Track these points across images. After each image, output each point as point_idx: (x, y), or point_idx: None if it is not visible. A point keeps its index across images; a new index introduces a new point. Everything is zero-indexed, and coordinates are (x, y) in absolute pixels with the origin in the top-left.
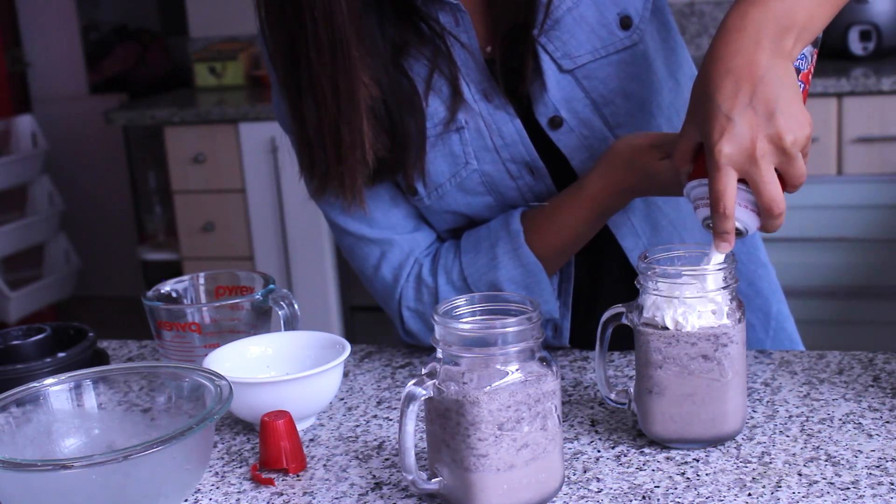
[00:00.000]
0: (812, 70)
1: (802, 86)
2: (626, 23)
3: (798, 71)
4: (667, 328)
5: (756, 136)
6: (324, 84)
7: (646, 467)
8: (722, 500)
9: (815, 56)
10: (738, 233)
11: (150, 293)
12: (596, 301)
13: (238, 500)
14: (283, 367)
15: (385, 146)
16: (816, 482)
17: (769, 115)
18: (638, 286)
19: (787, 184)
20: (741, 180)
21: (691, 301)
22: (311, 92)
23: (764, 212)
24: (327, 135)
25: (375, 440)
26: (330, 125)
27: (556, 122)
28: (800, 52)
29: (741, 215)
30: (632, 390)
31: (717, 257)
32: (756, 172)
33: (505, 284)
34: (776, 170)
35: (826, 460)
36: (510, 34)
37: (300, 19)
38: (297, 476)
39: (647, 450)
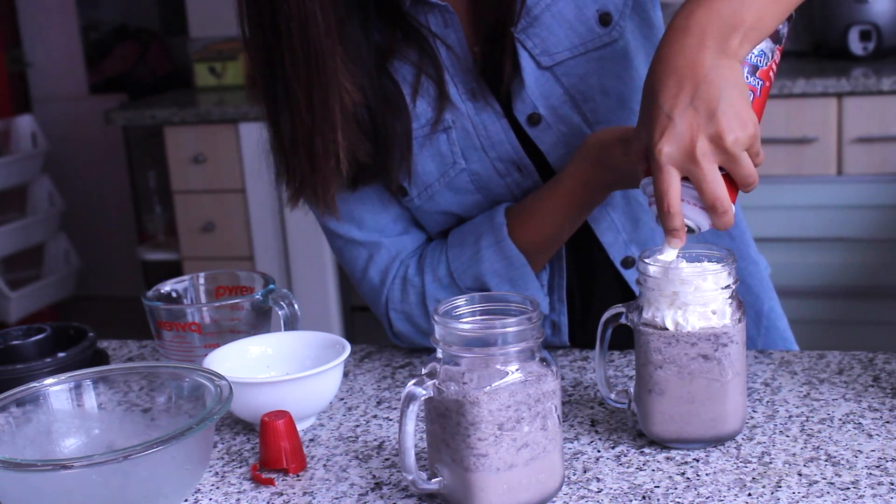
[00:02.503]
0: (774, 67)
1: (762, 83)
2: (605, 19)
3: (756, 68)
4: (666, 328)
5: (696, 135)
6: (299, 95)
7: (646, 467)
8: (722, 500)
9: (779, 52)
10: (690, 230)
11: (150, 293)
12: (591, 298)
13: (238, 500)
14: (283, 367)
15: (367, 151)
16: (816, 482)
17: (710, 114)
18: (638, 286)
19: (737, 184)
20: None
21: (691, 301)
22: (286, 102)
23: (709, 210)
24: (301, 145)
25: (375, 440)
26: (304, 136)
27: (534, 119)
28: (748, 50)
29: (690, 213)
30: (632, 390)
31: (670, 253)
32: (697, 171)
33: (489, 277)
34: (724, 170)
35: (826, 460)
36: (491, 32)
37: (276, 31)
38: (297, 476)
39: (647, 450)
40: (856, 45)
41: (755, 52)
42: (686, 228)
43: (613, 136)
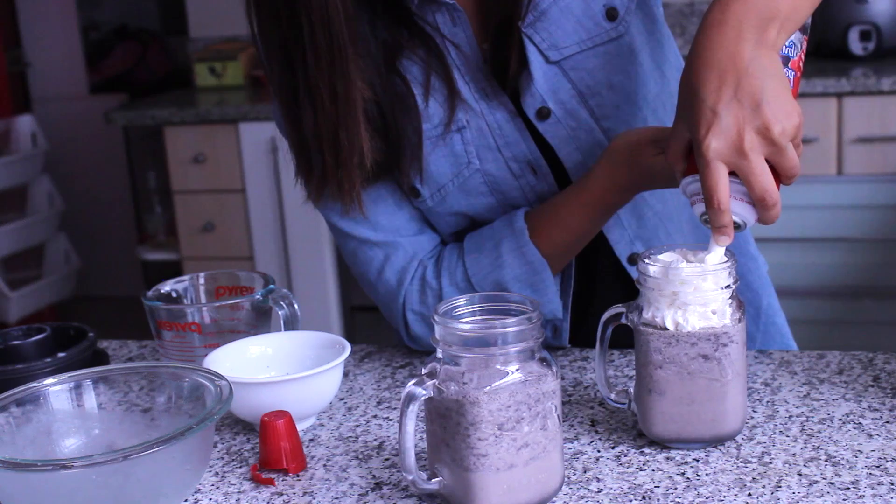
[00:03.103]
0: (803, 57)
1: (794, 74)
2: (611, 14)
3: (787, 59)
4: (667, 328)
5: (743, 128)
6: (322, 89)
7: (646, 467)
8: (722, 500)
9: (806, 42)
10: (737, 226)
11: (150, 293)
12: (591, 299)
13: (238, 500)
14: (283, 367)
15: (379, 148)
16: (816, 482)
17: (755, 106)
18: (638, 286)
19: (780, 175)
20: (734, 173)
21: (691, 301)
22: (309, 97)
23: (757, 203)
24: (325, 140)
25: (375, 440)
26: (328, 130)
27: (543, 114)
28: (785, 41)
29: (737, 208)
30: (632, 390)
31: (718, 251)
32: (746, 165)
33: (510, 283)
34: (769, 162)
35: (826, 460)
36: (499, 28)
37: (296, 24)
38: (297, 476)
39: (647, 450)
40: (856, 45)
41: (786, 42)
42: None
43: (643, 137)
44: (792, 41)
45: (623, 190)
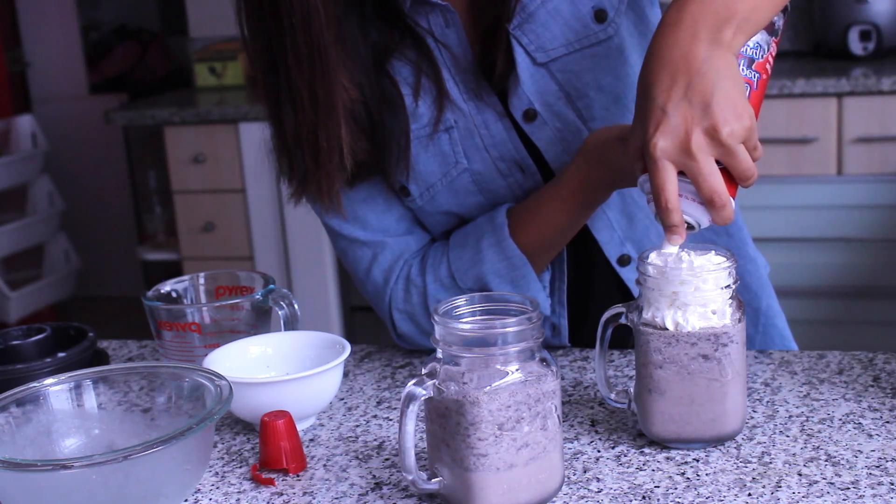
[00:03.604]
0: (770, 60)
1: (758, 76)
2: (600, 16)
3: (752, 61)
4: (666, 328)
5: (691, 128)
6: (302, 90)
7: (646, 467)
8: (722, 500)
9: (775, 45)
10: (690, 227)
11: (150, 293)
12: (589, 299)
13: (238, 500)
14: (283, 367)
15: (364, 148)
16: (816, 482)
17: (704, 106)
18: (638, 286)
19: (735, 178)
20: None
21: (691, 301)
22: (290, 98)
23: (707, 204)
24: (305, 141)
25: (375, 440)
26: (308, 131)
27: (530, 115)
28: (742, 43)
29: (689, 209)
30: (632, 390)
31: (671, 250)
32: (693, 165)
33: (490, 278)
34: (721, 164)
35: (826, 460)
36: (488, 29)
37: (278, 26)
38: (297, 476)
39: (647, 450)
40: (856, 45)
41: (750, 44)
42: (686, 225)
43: (613, 135)
44: (758, 42)
45: (597, 187)
